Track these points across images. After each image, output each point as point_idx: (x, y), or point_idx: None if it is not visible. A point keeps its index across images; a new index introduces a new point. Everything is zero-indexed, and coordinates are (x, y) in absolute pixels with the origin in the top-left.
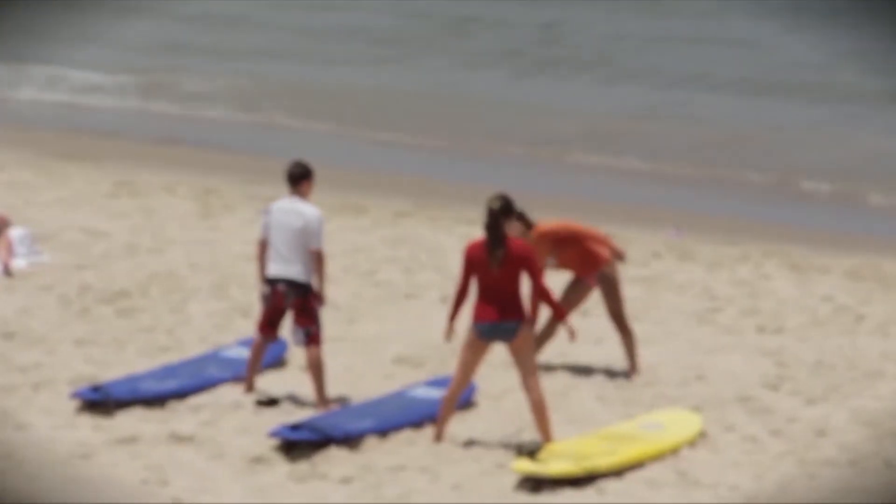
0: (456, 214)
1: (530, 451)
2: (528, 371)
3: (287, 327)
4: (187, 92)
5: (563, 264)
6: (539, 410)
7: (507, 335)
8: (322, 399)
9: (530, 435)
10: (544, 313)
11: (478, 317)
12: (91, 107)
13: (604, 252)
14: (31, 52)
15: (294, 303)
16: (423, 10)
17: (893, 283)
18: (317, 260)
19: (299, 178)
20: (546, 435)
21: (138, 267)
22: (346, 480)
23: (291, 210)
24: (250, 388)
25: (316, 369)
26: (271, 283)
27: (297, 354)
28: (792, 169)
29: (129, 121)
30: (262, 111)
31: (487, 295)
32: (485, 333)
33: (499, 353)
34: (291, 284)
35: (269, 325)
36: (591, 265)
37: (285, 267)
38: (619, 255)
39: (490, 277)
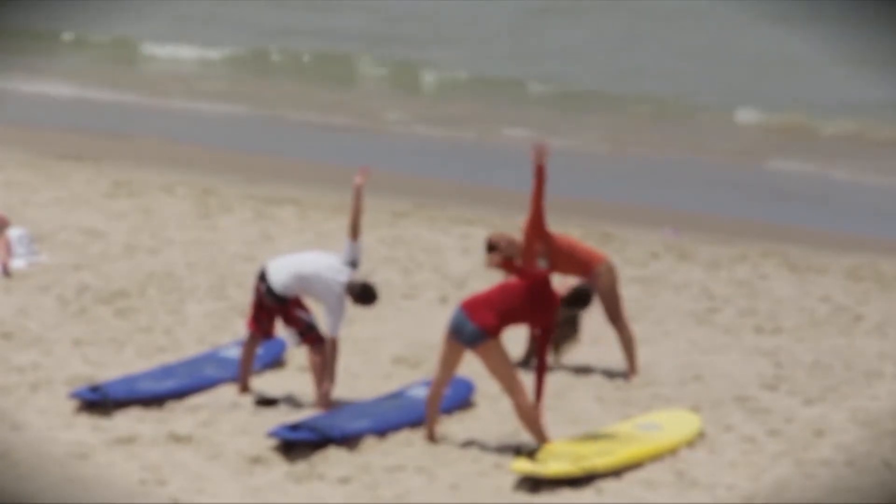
0: (454, 214)
1: (529, 452)
2: (503, 384)
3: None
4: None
5: (558, 269)
6: (523, 418)
7: (467, 337)
8: (321, 399)
9: (528, 435)
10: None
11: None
12: (90, 105)
13: (597, 251)
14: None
15: (273, 307)
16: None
17: (891, 284)
18: (331, 347)
19: (361, 301)
20: (538, 439)
21: (136, 267)
22: (344, 481)
23: (331, 267)
24: (245, 388)
25: (315, 369)
26: (261, 275)
27: (296, 354)
28: None
29: (128, 120)
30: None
31: (493, 288)
32: (451, 321)
33: None
34: (270, 290)
35: (255, 320)
36: (587, 265)
37: (276, 274)
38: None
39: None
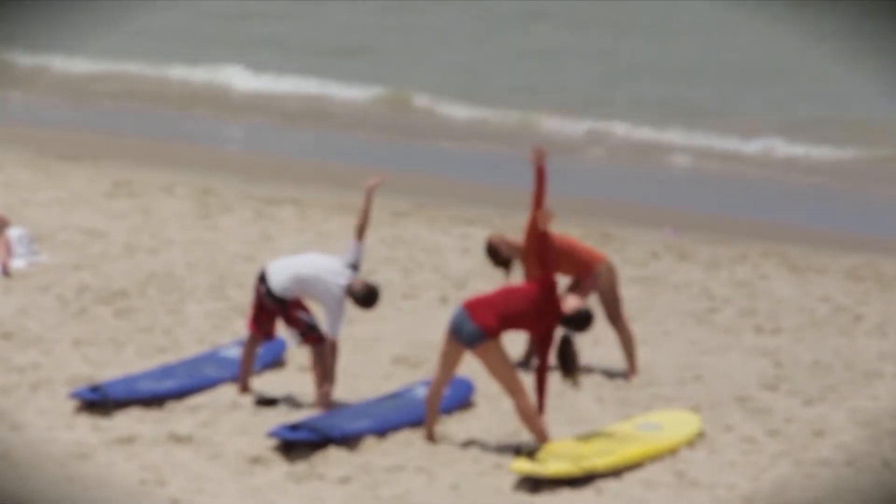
0: (454, 214)
1: (528, 452)
2: (503, 384)
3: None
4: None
5: (558, 269)
6: (524, 418)
7: (466, 338)
8: (321, 399)
9: (528, 435)
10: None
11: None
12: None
13: (597, 251)
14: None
15: (274, 309)
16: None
17: (892, 284)
18: (331, 348)
19: (363, 303)
20: (539, 439)
21: (136, 267)
22: (344, 481)
23: (331, 269)
24: (245, 388)
25: (315, 369)
26: (261, 277)
27: (296, 355)
28: None
29: (128, 120)
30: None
31: (497, 291)
32: (452, 320)
33: None
34: (270, 292)
35: (255, 321)
36: (587, 265)
37: (276, 276)
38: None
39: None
